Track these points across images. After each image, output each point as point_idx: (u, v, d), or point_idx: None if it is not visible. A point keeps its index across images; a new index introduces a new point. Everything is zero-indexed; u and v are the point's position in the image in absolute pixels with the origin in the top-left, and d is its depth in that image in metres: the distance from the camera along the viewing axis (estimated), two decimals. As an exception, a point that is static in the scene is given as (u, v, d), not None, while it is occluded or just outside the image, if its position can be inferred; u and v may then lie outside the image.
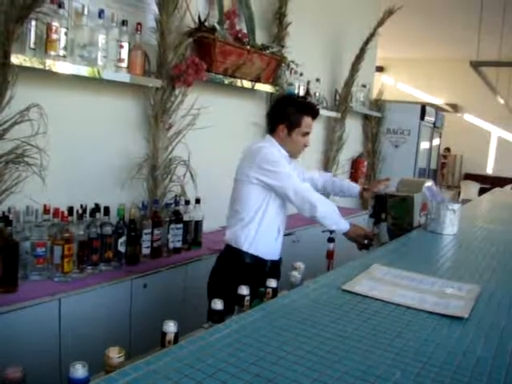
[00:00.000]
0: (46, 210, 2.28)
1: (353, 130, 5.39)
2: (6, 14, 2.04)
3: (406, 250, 2.23)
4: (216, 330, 1.17)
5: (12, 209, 2.22)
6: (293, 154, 2.48)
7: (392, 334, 1.24)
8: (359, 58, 4.90)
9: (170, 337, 1.13)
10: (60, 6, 2.28)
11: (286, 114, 2.39)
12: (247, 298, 1.46)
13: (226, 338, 1.14)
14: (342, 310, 1.39)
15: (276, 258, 2.49)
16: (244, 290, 1.47)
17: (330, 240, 2.53)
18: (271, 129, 2.47)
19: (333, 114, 4.77)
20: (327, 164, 4.97)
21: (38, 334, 2.00)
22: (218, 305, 1.34)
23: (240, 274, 2.25)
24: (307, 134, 2.42)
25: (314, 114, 2.45)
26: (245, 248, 2.36)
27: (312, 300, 1.46)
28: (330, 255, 2.54)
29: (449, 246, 2.34)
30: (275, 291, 1.57)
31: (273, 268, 2.44)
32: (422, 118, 6.14)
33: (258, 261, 2.38)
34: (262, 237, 2.38)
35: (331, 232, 2.63)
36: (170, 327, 1.14)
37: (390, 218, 2.66)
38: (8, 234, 2.09)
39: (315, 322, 1.29)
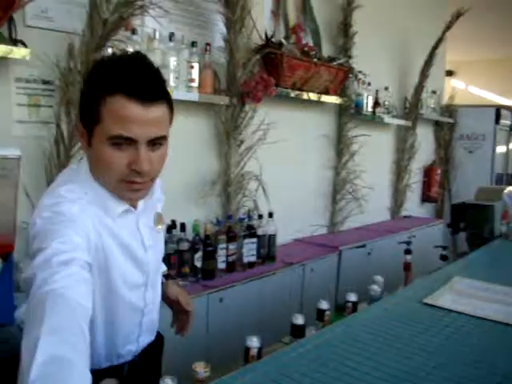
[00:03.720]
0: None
1: (424, 138, 5.26)
2: (87, 45, 2.16)
3: (488, 261, 2.15)
4: (298, 345, 1.17)
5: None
6: (111, 190, 1.16)
7: (481, 350, 1.19)
8: (428, 63, 4.78)
9: (254, 352, 1.15)
10: (133, 32, 2.38)
11: (80, 103, 1.16)
12: (327, 312, 1.46)
13: (309, 352, 1.14)
14: (425, 325, 1.36)
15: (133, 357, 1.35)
16: (324, 305, 1.46)
17: (407, 252, 2.47)
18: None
19: (403, 122, 4.68)
20: (399, 174, 4.87)
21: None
22: (299, 319, 1.34)
23: None
24: (127, 139, 1.06)
25: (126, 82, 1.05)
26: None
27: (393, 314, 1.44)
28: (407, 267, 2.48)
29: (535, 256, 2.24)
30: (355, 305, 1.55)
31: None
32: (497, 121, 5.89)
33: None
34: None
35: (408, 243, 2.57)
36: (254, 342, 1.16)
37: (469, 227, 2.58)
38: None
39: (398, 336, 1.26)
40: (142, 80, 1.05)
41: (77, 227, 1.05)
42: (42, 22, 2.18)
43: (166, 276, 1.56)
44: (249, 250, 2.83)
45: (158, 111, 1.07)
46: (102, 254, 1.14)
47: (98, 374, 0.98)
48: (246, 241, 2.82)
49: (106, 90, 1.04)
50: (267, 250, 2.97)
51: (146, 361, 1.36)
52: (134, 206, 1.23)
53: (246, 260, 2.84)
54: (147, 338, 1.36)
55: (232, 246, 2.73)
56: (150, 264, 1.27)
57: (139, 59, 1.11)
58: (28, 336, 0.84)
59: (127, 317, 1.25)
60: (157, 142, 1.10)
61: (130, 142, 1.05)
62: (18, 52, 1.93)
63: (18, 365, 0.80)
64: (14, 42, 1.97)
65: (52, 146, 2.20)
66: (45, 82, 2.22)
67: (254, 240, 2.86)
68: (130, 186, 1.11)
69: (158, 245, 1.33)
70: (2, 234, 1.78)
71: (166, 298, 1.47)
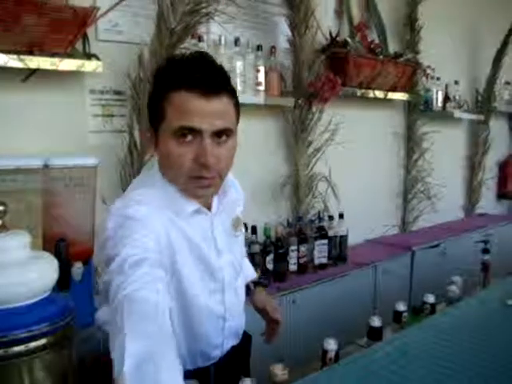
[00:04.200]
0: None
1: (499, 131, 5.03)
2: (156, 55, 2.22)
3: None
4: (377, 348, 1.15)
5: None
6: (181, 188, 1.17)
7: None
8: (501, 52, 4.57)
9: (331, 354, 1.13)
10: (200, 39, 2.42)
11: (148, 105, 1.22)
12: (404, 313, 1.42)
13: (388, 356, 1.11)
14: (510, 328, 1.30)
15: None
16: (401, 306, 1.43)
17: (485, 251, 2.37)
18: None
19: (475, 116, 4.50)
20: (473, 170, 4.69)
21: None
22: (376, 322, 1.32)
23: None
24: (191, 131, 1.08)
25: (189, 77, 1.07)
26: None
27: (475, 316, 1.38)
28: (485, 267, 2.37)
29: None
30: (433, 307, 1.50)
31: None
32: None
33: None
34: None
35: (486, 242, 2.46)
36: (331, 345, 1.14)
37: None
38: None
39: (482, 339, 1.21)
40: (203, 74, 1.05)
41: (146, 229, 1.04)
42: (113, 35, 2.26)
43: (256, 283, 1.56)
44: (320, 251, 2.81)
45: (221, 103, 1.07)
46: (172, 256, 1.12)
47: (184, 375, 0.97)
48: (317, 242, 2.80)
49: (170, 87, 1.07)
50: (338, 251, 2.94)
51: (233, 362, 1.34)
52: (209, 208, 1.21)
53: (317, 262, 2.82)
54: (232, 341, 1.35)
55: (303, 248, 2.72)
56: (225, 269, 1.25)
57: (201, 56, 1.12)
58: (113, 342, 0.88)
59: (207, 322, 1.23)
60: (222, 135, 1.09)
61: (195, 134, 1.05)
62: (90, 65, 2.02)
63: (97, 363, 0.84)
64: (88, 56, 2.05)
65: (126, 154, 2.27)
66: (117, 93, 2.30)
67: (325, 241, 2.83)
68: (198, 181, 1.10)
69: (234, 249, 1.31)
70: (82, 239, 1.86)
71: (253, 305, 1.48)
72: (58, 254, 1.38)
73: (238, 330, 1.37)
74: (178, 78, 1.07)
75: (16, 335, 0.96)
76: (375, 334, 1.29)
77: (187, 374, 1.02)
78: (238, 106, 1.16)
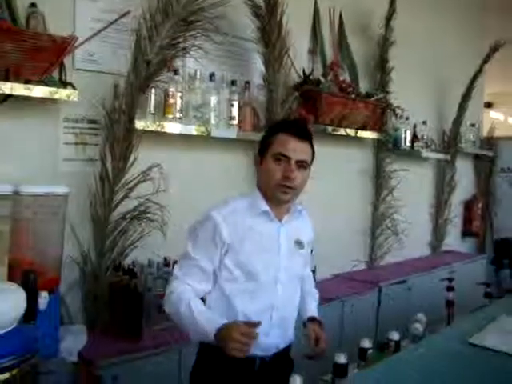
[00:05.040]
0: (166, 263, 2.40)
1: (464, 171, 5.19)
2: (132, 86, 2.25)
3: (536, 299, 2.08)
4: (342, 385, 1.16)
5: (136, 262, 2.37)
6: (270, 193, 1.64)
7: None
8: (466, 96, 4.75)
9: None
10: (176, 72, 2.46)
11: (261, 139, 1.74)
12: (370, 351, 1.44)
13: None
14: (472, 366, 1.33)
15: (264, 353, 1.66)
16: (366, 343, 1.45)
17: (450, 289, 2.42)
18: None
19: (442, 156, 4.63)
20: (439, 208, 4.80)
21: (159, 382, 2.06)
22: (341, 358, 1.33)
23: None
24: (285, 157, 1.60)
25: (290, 128, 1.67)
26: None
27: (438, 354, 1.41)
28: (449, 305, 2.42)
29: None
30: (398, 344, 1.53)
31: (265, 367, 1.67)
32: (540, 153, 5.77)
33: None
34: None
35: (450, 280, 2.52)
36: (296, 381, 1.15)
37: (514, 263, 2.52)
38: (133, 285, 2.22)
39: (443, 378, 1.24)
40: (298, 127, 1.68)
41: (213, 232, 1.58)
42: (90, 65, 2.29)
43: (312, 319, 1.82)
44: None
45: (305, 145, 1.62)
46: (236, 246, 1.58)
47: (233, 360, 1.41)
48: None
49: (278, 130, 1.65)
50: (306, 285, 2.95)
51: (277, 362, 1.67)
52: (280, 219, 1.66)
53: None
54: (278, 337, 1.67)
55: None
56: (281, 264, 1.65)
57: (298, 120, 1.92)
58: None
59: (260, 301, 1.62)
60: (302, 164, 1.61)
61: (286, 159, 1.59)
62: (64, 92, 2.03)
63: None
64: (64, 84, 2.07)
65: (97, 183, 2.27)
66: (91, 121, 2.31)
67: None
68: (282, 188, 1.59)
69: (295, 258, 1.71)
70: (49, 268, 1.84)
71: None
72: (25, 285, 1.36)
73: (286, 328, 1.70)
74: (283, 126, 1.70)
75: (-20, 369, 0.94)
76: (340, 371, 1.31)
77: (236, 358, 1.42)
78: (314, 151, 1.68)
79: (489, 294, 2.39)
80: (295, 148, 1.60)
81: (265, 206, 1.64)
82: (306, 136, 1.65)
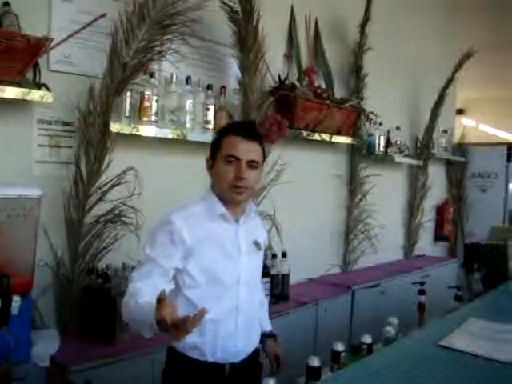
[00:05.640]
0: (140, 267, 2.38)
1: (436, 177, 5.28)
2: (107, 89, 2.23)
3: (504, 302, 2.13)
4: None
5: (110, 265, 2.35)
6: (224, 195, 1.67)
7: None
8: (438, 103, 4.84)
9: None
10: (151, 76, 2.46)
11: (210, 146, 1.75)
12: (343, 354, 1.46)
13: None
14: (441, 368, 1.35)
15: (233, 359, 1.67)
16: (339, 346, 1.47)
17: (421, 292, 2.46)
18: None
19: (415, 161, 4.71)
20: (412, 212, 4.88)
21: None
22: (315, 362, 1.35)
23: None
24: (235, 158, 1.62)
25: (239, 129, 1.69)
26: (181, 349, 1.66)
27: (409, 357, 1.44)
28: (421, 308, 2.46)
29: (551, 297, 2.23)
30: (370, 347, 1.55)
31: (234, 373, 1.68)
32: (509, 159, 5.90)
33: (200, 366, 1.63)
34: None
35: (422, 284, 2.56)
36: (270, 384, 1.16)
37: (483, 267, 2.57)
38: (107, 289, 2.21)
39: (414, 380, 1.26)
40: (247, 128, 1.70)
41: (172, 234, 1.57)
42: (65, 66, 2.27)
43: (268, 335, 1.88)
44: (263, 289, 2.83)
45: (254, 145, 1.65)
46: (198, 250, 1.58)
47: (202, 367, 1.58)
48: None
49: (227, 133, 1.67)
50: (280, 289, 2.97)
51: (247, 367, 1.68)
52: (237, 220, 1.69)
53: (259, 299, 2.84)
54: (244, 342, 1.68)
55: (245, 285, 2.74)
56: (242, 265, 1.67)
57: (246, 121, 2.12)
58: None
59: (224, 304, 1.63)
60: (252, 164, 1.63)
61: (237, 160, 1.61)
62: (38, 94, 2.01)
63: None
64: (38, 85, 2.04)
65: (71, 186, 2.25)
66: (65, 124, 2.29)
67: (268, 280, 2.85)
68: (235, 189, 1.62)
69: (254, 259, 1.76)
70: (22, 271, 1.81)
71: (265, 351, 1.85)
72: (-3, 289, 1.34)
73: (251, 330, 1.72)
74: (231, 128, 1.71)
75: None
76: (314, 374, 1.32)
77: (206, 365, 1.58)
78: (264, 150, 1.71)
79: (459, 298, 2.44)
80: (244, 148, 1.63)
81: (221, 209, 1.66)
82: (254, 136, 1.68)
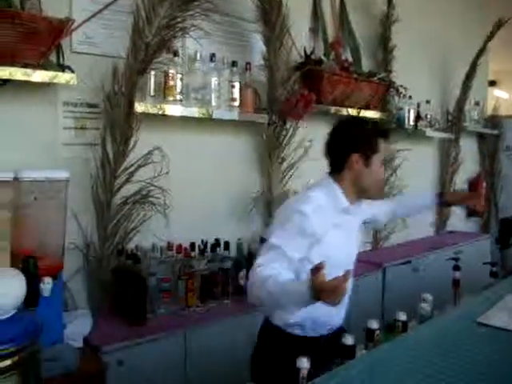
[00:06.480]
0: (169, 247, 2.39)
1: (468, 150, 5.14)
2: (131, 68, 2.21)
3: (543, 277, 2.06)
4: (351, 366, 1.15)
5: (139, 246, 2.35)
6: (373, 192, 1.85)
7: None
8: (470, 74, 4.69)
9: (304, 372, 1.13)
10: (175, 54, 2.42)
11: (359, 140, 1.79)
12: (377, 332, 1.42)
13: (362, 373, 1.11)
14: (481, 345, 1.31)
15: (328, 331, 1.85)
16: (373, 324, 1.43)
17: (456, 268, 2.40)
18: (337, 166, 1.82)
19: (446, 135, 4.59)
20: (443, 187, 4.77)
21: (164, 366, 2.07)
22: (348, 340, 1.32)
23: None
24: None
25: (387, 136, 1.86)
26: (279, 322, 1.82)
27: (447, 334, 1.39)
28: (456, 284, 2.40)
29: None
30: (405, 324, 1.51)
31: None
32: (544, 131, 5.71)
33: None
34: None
35: (456, 260, 2.50)
36: (304, 363, 1.14)
37: (520, 242, 2.49)
38: (137, 270, 2.21)
39: (453, 357, 1.22)
40: (386, 129, 1.99)
41: (303, 225, 1.60)
42: (88, 47, 2.25)
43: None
44: (292, 267, 2.81)
45: None
46: (323, 240, 1.64)
47: (302, 340, 1.74)
48: (290, 258, 2.80)
49: (381, 136, 1.80)
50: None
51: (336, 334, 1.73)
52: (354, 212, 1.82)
53: (289, 278, 2.82)
54: (341, 315, 1.87)
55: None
56: (355, 250, 1.96)
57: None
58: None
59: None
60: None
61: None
62: (63, 77, 2.00)
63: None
64: (62, 67, 2.03)
65: (98, 168, 2.25)
66: (90, 106, 2.28)
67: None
68: (383, 188, 1.90)
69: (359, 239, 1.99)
70: (52, 253, 1.82)
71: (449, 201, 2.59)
72: (25, 271, 1.34)
73: (345, 307, 1.88)
74: (381, 131, 1.86)
75: (-21, 356, 0.92)
76: (348, 352, 1.29)
77: (306, 339, 1.75)
78: None
79: (495, 274, 2.37)
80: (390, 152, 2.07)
81: (345, 203, 1.77)
82: None
